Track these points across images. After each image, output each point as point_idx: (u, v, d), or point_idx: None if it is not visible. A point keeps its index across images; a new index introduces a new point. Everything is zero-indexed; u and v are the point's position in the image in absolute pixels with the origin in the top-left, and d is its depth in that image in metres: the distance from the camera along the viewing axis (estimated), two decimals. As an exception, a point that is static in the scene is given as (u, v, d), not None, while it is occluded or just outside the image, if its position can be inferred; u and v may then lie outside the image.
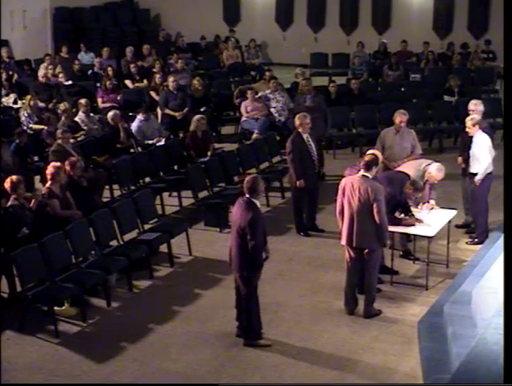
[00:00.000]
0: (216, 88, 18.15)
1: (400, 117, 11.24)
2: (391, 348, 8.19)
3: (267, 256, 8.21)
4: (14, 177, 9.63)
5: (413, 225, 9.62)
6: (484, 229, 10.84)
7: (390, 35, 23.42)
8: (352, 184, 8.70)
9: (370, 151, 9.45)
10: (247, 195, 8.02)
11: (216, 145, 14.06)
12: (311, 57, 22.93)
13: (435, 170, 10.13)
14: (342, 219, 8.85)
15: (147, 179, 12.62)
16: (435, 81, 18.64)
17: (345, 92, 16.78)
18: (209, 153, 13.09)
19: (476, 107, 11.43)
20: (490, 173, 10.67)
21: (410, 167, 10.27)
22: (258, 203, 8.04)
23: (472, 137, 10.70)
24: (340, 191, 8.85)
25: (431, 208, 10.16)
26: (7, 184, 9.54)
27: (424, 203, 10.18)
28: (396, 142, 11.20)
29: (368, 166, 8.70)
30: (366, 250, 8.75)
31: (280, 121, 15.78)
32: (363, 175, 8.70)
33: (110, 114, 13.61)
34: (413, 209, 9.99)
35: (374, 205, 8.54)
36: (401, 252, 10.29)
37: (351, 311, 8.94)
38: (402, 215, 9.74)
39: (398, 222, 9.57)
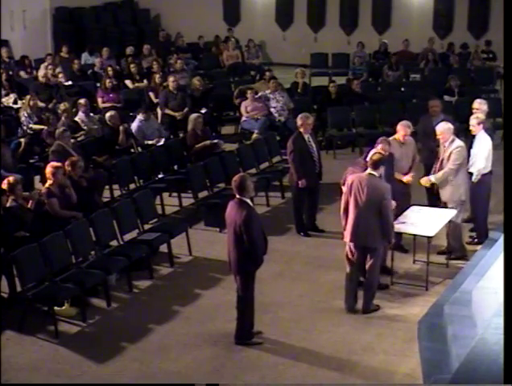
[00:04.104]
0: (217, 88, 18.13)
1: (404, 131, 10.57)
2: (391, 348, 8.19)
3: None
4: (10, 178, 9.64)
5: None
6: (484, 229, 10.83)
7: (390, 35, 23.41)
8: (359, 182, 8.74)
9: (374, 151, 9.40)
10: (238, 196, 8.05)
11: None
12: (311, 57, 22.90)
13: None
14: (346, 217, 8.88)
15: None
16: (435, 81, 18.64)
17: (345, 92, 16.78)
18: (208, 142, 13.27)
19: (480, 106, 11.43)
20: (490, 172, 10.66)
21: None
22: (249, 201, 8.07)
23: (474, 136, 10.70)
24: (346, 189, 8.88)
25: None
26: (5, 185, 9.55)
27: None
28: (403, 154, 10.62)
29: (375, 165, 8.75)
30: (370, 248, 8.78)
31: (280, 121, 15.78)
32: (370, 173, 8.75)
33: (108, 115, 13.61)
34: (413, 208, 10.02)
35: (383, 203, 8.60)
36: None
37: (350, 308, 8.98)
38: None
39: None
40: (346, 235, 8.91)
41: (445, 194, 10.25)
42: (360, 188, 8.70)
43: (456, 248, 10.41)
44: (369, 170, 8.79)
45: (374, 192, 8.64)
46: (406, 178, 10.31)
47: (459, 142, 10.24)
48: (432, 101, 12.31)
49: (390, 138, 10.38)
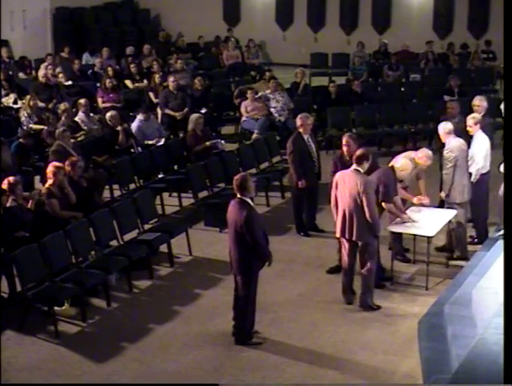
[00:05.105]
0: (216, 88, 18.14)
1: (425, 161, 9.94)
2: (391, 348, 8.19)
3: (270, 262, 8.20)
4: (11, 178, 9.64)
5: (406, 221, 9.61)
6: (484, 229, 10.82)
7: (390, 35, 23.42)
8: (343, 178, 8.90)
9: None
10: (238, 195, 8.07)
11: (217, 145, 14.07)
12: (311, 57, 22.91)
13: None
14: (337, 212, 9.04)
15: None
16: (435, 81, 18.66)
17: (345, 92, 16.79)
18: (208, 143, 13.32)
19: (481, 103, 11.44)
20: (487, 173, 10.64)
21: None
22: (250, 201, 8.07)
23: (471, 136, 10.69)
24: (333, 185, 9.06)
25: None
26: (5, 185, 9.55)
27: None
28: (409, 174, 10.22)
29: (359, 161, 8.86)
30: (360, 243, 8.86)
31: (280, 121, 15.79)
32: (355, 169, 8.87)
33: (108, 115, 13.61)
34: (413, 208, 10.02)
35: (363, 198, 8.69)
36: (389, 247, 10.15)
37: (349, 301, 9.10)
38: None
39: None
40: (336, 230, 9.06)
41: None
42: (343, 184, 8.85)
43: (457, 248, 10.39)
44: (353, 166, 8.89)
45: (356, 187, 8.73)
46: (418, 198, 10.05)
47: (451, 144, 10.16)
48: (449, 103, 12.51)
49: (408, 155, 10.04)
